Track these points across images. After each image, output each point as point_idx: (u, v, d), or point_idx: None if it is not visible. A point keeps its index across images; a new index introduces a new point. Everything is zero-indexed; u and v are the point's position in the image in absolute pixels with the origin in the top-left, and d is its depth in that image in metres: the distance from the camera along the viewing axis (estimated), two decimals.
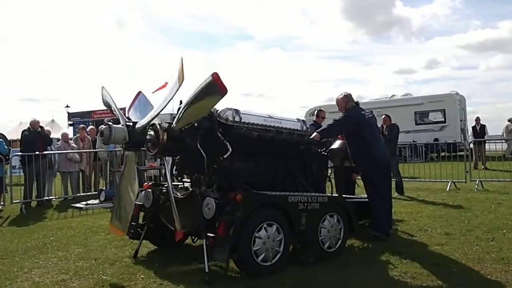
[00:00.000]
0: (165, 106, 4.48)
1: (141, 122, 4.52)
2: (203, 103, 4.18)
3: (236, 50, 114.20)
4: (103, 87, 5.22)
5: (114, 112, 4.97)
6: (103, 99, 5.26)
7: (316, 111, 9.05)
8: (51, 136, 10.88)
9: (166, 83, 5.13)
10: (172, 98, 4.40)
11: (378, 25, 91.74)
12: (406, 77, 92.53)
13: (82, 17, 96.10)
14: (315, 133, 5.46)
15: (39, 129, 9.92)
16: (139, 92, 5.56)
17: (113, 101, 5.11)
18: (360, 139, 5.67)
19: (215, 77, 3.95)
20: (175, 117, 4.53)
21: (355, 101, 5.90)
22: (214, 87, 3.99)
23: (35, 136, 9.79)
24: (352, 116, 5.75)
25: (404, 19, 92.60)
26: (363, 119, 5.73)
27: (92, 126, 14.20)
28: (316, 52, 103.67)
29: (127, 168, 4.88)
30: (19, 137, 10.78)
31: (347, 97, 5.85)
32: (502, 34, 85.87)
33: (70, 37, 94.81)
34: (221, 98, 4.09)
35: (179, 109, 4.65)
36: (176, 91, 4.31)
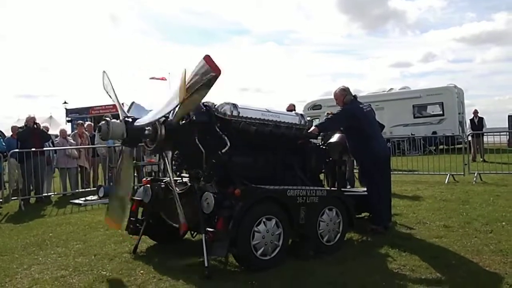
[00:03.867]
0: (163, 114, 4.39)
1: (140, 121, 4.48)
2: (199, 88, 4.08)
3: (232, 45, 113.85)
4: (104, 72, 5.03)
5: (114, 102, 4.88)
6: (104, 87, 5.09)
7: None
8: (49, 133, 10.86)
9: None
10: (170, 111, 4.35)
11: (373, 19, 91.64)
12: (402, 70, 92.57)
13: (77, 13, 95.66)
14: (313, 127, 5.48)
15: (35, 125, 9.88)
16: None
17: (114, 91, 4.97)
18: (359, 133, 5.67)
19: (207, 59, 3.90)
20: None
21: (353, 94, 5.91)
22: (208, 70, 3.92)
23: (30, 133, 9.75)
24: (350, 109, 5.75)
25: (400, 12, 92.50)
26: (361, 112, 5.73)
27: (90, 122, 14.17)
28: (312, 46, 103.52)
29: (123, 164, 4.87)
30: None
31: (345, 91, 5.86)
32: (498, 26, 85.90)
33: (67, 33, 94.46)
34: (216, 80, 3.99)
35: None
36: (175, 107, 4.22)
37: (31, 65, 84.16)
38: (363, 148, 5.71)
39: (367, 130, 5.69)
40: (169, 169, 4.66)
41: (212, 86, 4.02)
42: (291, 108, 8.83)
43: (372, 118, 5.92)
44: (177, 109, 4.27)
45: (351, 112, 5.72)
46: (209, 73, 3.91)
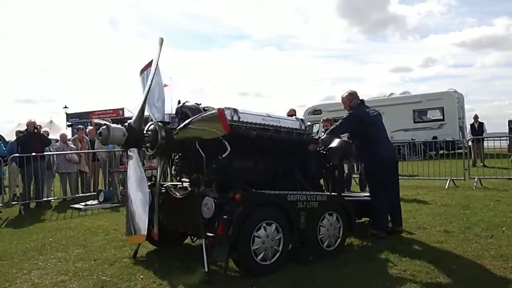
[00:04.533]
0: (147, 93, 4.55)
1: (134, 116, 4.57)
2: (204, 132, 4.20)
3: (231, 49, 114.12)
4: (161, 39, 4.87)
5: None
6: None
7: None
8: (49, 137, 10.86)
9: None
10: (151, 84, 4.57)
11: (373, 23, 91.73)
12: (403, 75, 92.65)
13: (77, 17, 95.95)
14: (325, 134, 5.68)
15: (35, 129, 9.88)
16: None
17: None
18: (365, 137, 5.74)
19: (220, 113, 4.00)
20: (173, 116, 4.52)
21: (361, 99, 5.97)
22: (218, 126, 4.03)
23: (31, 137, 9.75)
24: (356, 114, 5.82)
25: (400, 17, 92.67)
26: (367, 116, 5.80)
27: (92, 127, 14.17)
28: (312, 51, 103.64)
29: (132, 168, 4.60)
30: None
31: (351, 95, 5.94)
32: (498, 31, 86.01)
33: (66, 37, 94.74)
34: (220, 135, 4.13)
35: (177, 112, 4.67)
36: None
37: (31, 69, 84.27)
38: (368, 151, 5.76)
39: (373, 133, 5.74)
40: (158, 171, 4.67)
41: (213, 137, 4.18)
42: (292, 113, 8.86)
43: (379, 122, 5.96)
44: (184, 128, 4.33)
45: (357, 116, 5.77)
46: (216, 128, 4.05)
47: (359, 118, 5.73)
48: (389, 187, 5.81)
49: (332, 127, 6.08)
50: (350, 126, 5.84)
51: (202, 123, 4.15)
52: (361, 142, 5.80)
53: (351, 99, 5.90)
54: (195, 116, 4.27)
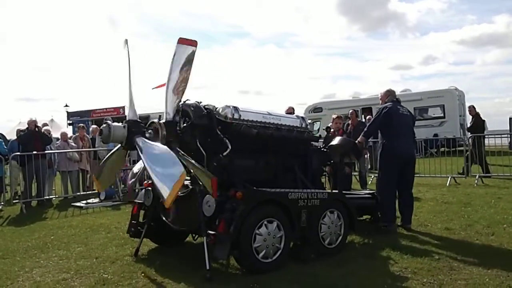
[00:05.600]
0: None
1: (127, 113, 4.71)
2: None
3: (232, 48, 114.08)
4: (126, 40, 4.79)
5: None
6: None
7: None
8: (50, 136, 10.86)
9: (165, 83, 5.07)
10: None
11: (373, 21, 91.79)
12: (403, 73, 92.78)
13: (76, 17, 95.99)
14: (360, 137, 6.05)
15: (36, 128, 9.88)
16: None
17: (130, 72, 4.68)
18: (388, 130, 5.90)
19: (181, 41, 4.37)
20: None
21: (396, 97, 6.20)
22: (186, 48, 4.38)
23: (32, 136, 9.76)
24: (385, 107, 5.98)
25: (400, 15, 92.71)
26: (396, 112, 5.93)
27: (95, 125, 14.18)
28: (312, 48, 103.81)
29: (113, 159, 4.93)
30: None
31: (388, 92, 6.26)
32: (498, 28, 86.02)
33: (67, 37, 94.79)
34: (195, 50, 4.43)
35: (178, 110, 4.64)
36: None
37: (32, 68, 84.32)
38: (386, 144, 5.93)
39: (396, 129, 5.87)
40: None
41: (193, 59, 4.45)
42: (290, 111, 8.86)
43: (406, 121, 6.04)
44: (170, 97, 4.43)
45: (386, 110, 5.94)
46: (188, 50, 4.40)
47: (386, 111, 5.90)
48: (400, 184, 5.92)
49: (364, 130, 6.32)
50: (381, 119, 5.97)
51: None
52: (383, 135, 6.02)
53: (388, 95, 6.22)
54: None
